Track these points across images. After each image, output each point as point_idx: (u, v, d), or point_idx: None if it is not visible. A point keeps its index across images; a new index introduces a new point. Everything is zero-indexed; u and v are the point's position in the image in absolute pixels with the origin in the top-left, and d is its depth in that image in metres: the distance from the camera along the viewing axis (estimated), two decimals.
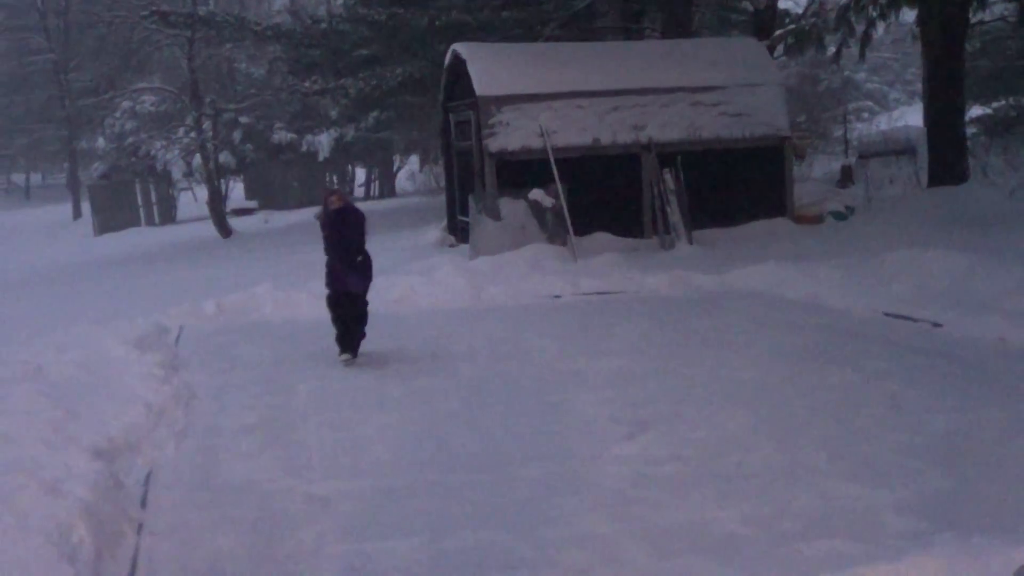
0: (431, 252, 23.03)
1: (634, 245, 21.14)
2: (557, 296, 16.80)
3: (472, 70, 21.94)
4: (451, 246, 23.80)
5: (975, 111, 35.32)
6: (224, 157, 45.81)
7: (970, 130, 30.68)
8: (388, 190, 56.41)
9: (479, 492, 7.59)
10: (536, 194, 20.42)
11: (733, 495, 7.28)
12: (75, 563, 6.09)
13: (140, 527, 7.15)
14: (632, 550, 6.44)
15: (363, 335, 12.52)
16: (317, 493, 7.68)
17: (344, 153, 51.68)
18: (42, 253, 41.83)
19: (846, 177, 28.31)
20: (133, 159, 50.50)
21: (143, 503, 7.65)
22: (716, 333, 13.19)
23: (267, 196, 51.72)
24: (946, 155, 24.37)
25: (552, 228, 20.40)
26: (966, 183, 23.94)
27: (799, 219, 22.98)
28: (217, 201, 40.10)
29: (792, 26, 24.57)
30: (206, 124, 40.08)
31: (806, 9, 28.77)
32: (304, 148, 50.68)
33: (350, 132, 48.05)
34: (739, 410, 9.39)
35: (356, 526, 7.03)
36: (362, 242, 12.40)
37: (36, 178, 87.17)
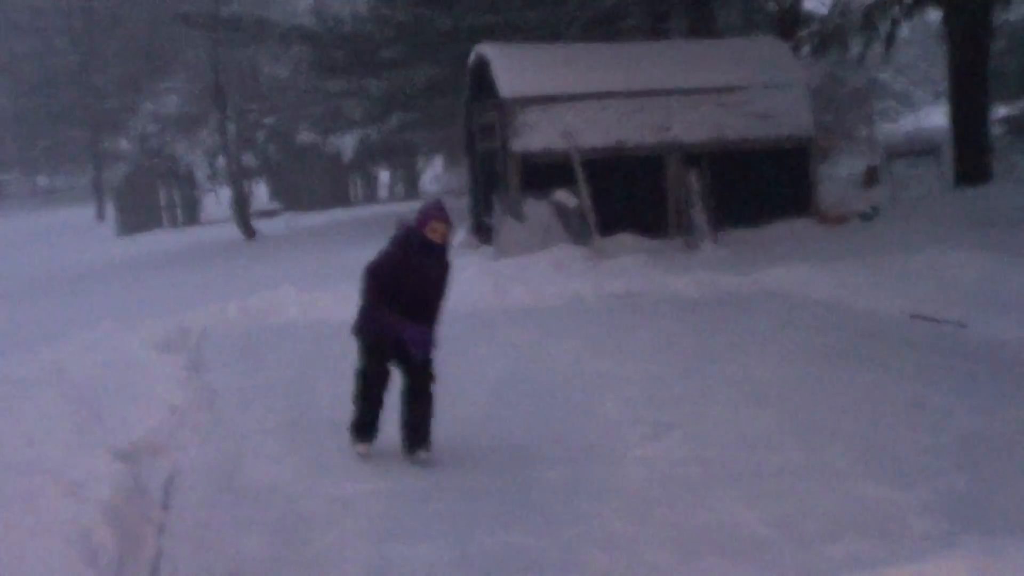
0: (455, 253, 22.90)
1: (659, 246, 21.05)
2: (582, 297, 16.76)
3: (496, 71, 21.93)
4: (475, 247, 23.76)
5: (1000, 111, 35.18)
6: (248, 158, 45.92)
7: (995, 130, 30.56)
8: (412, 191, 56.49)
9: (503, 494, 7.57)
10: (560, 195, 20.38)
11: (757, 496, 7.25)
12: (96, 565, 6.10)
13: (162, 529, 7.16)
14: (656, 551, 6.42)
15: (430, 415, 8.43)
16: (340, 495, 7.67)
17: (368, 155, 51.78)
18: (65, 255, 41.95)
19: (871, 177, 28.21)
20: (156, 160, 50.80)
21: (165, 505, 7.65)
22: (741, 334, 13.13)
23: (291, 197, 51.87)
24: (971, 155, 24.30)
25: (577, 229, 20.34)
26: (991, 183, 23.85)
27: (824, 219, 22.88)
28: (241, 203, 40.19)
29: (817, 26, 24.47)
30: (230, 126, 40.17)
31: (831, 9, 28.72)
32: (328, 149, 50.83)
33: (374, 133, 48.12)
34: (763, 411, 9.36)
35: (379, 528, 7.02)
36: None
37: (60, 180, 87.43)
